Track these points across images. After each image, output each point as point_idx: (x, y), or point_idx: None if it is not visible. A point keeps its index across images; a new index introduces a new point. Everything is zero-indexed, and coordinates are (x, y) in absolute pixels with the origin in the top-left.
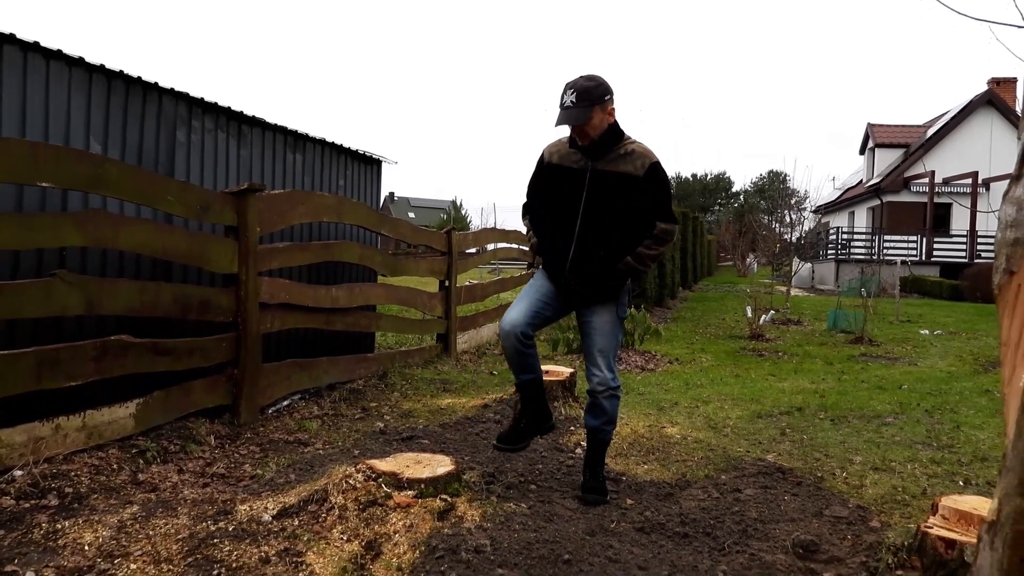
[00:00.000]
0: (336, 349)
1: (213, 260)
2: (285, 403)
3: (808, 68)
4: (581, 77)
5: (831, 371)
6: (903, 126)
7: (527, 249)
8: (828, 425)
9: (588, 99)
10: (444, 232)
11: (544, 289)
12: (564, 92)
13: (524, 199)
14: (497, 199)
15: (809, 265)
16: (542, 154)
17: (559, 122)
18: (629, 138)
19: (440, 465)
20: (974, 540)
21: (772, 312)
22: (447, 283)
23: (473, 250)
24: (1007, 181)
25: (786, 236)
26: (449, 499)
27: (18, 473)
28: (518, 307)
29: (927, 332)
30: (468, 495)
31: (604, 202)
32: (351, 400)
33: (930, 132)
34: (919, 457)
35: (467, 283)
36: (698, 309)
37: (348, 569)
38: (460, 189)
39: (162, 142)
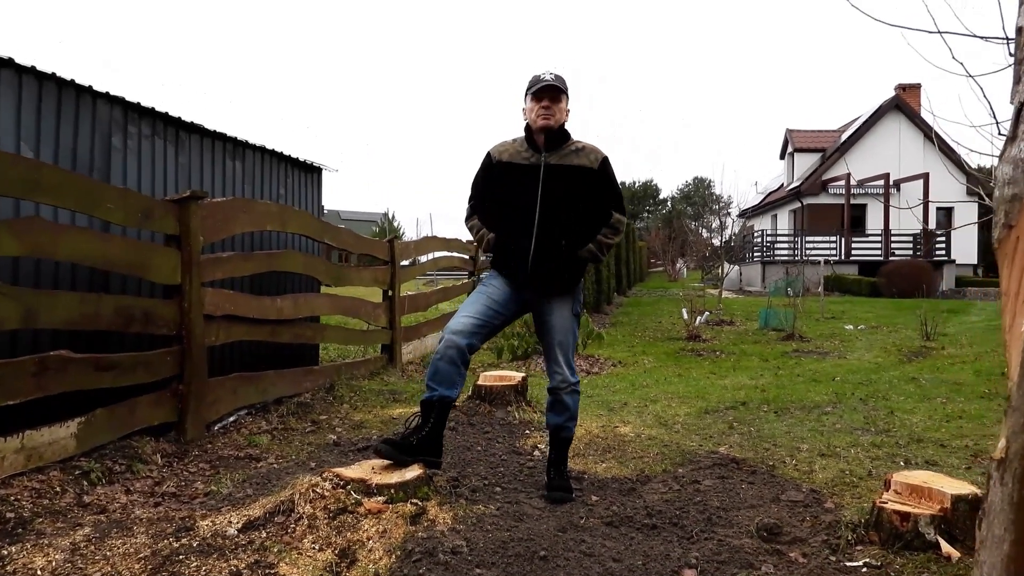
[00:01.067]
0: (282, 362)
1: (155, 270)
2: (231, 419)
3: (730, 74)
4: (550, 71)
5: (768, 367)
6: (819, 131)
7: (467, 258)
8: (772, 417)
9: (564, 84)
10: (387, 241)
11: (495, 295)
12: (541, 74)
13: (469, 201)
14: (432, 209)
15: (736, 268)
16: (488, 155)
17: (546, 83)
18: (574, 138)
19: (408, 470)
20: (927, 512)
21: (707, 314)
22: (390, 293)
23: (414, 260)
24: (917, 181)
25: (713, 241)
26: (420, 503)
27: None
28: (466, 316)
29: (851, 327)
30: (437, 499)
31: (561, 194)
32: (300, 414)
33: (844, 136)
34: (860, 442)
35: (409, 293)
36: (634, 313)
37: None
38: (391, 201)
39: (97, 147)
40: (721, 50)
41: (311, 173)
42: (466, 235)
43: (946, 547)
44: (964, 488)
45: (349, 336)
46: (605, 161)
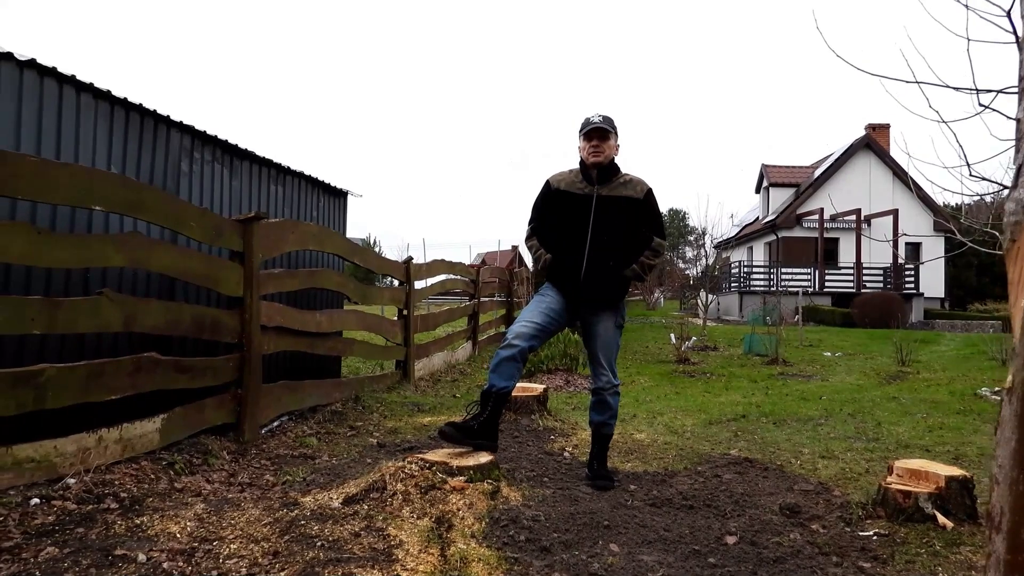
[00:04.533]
0: (313, 373)
1: (223, 283)
2: (275, 424)
3: (707, 108)
4: (600, 113)
5: (757, 387)
6: (793, 167)
7: (469, 281)
8: (772, 427)
9: (611, 125)
10: (403, 263)
11: (552, 305)
12: (590, 117)
13: (530, 223)
14: (420, 235)
15: (714, 297)
16: (548, 183)
17: (590, 128)
18: (623, 171)
19: (481, 455)
20: (925, 490)
21: (693, 339)
22: (405, 312)
23: (426, 282)
24: (888, 217)
25: (688, 272)
26: (495, 483)
27: (71, 481)
28: (528, 321)
29: (830, 354)
30: (506, 481)
31: (610, 221)
32: (335, 421)
33: (817, 172)
34: (854, 447)
35: (420, 313)
36: (621, 339)
37: (430, 537)
38: (372, 226)
39: (169, 170)
40: (699, 84)
41: (339, 197)
42: (466, 259)
43: (942, 519)
44: (955, 471)
45: (372, 351)
46: (650, 192)
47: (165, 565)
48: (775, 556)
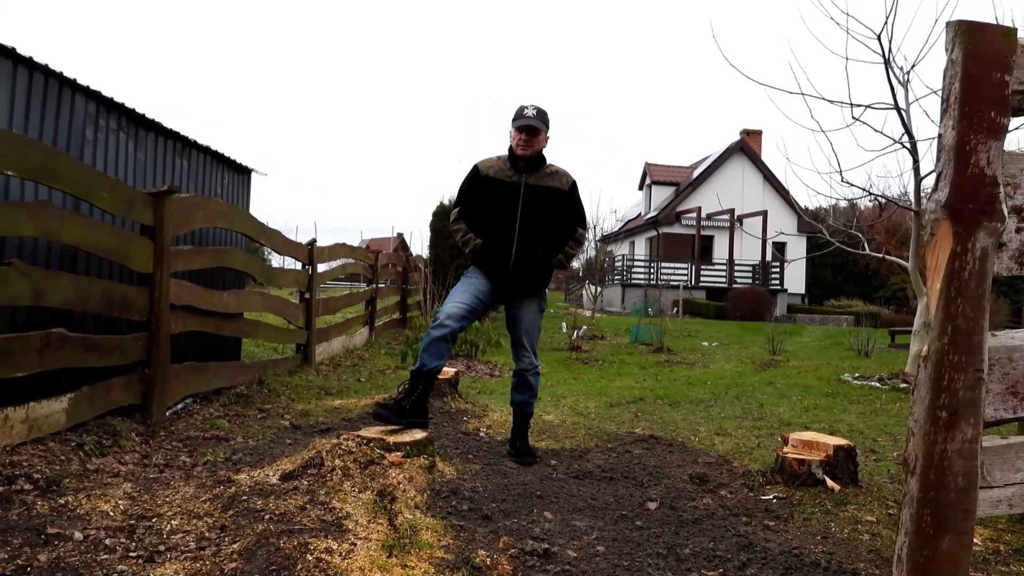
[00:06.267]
0: (217, 355)
1: (133, 258)
2: (179, 406)
3: (591, 105)
4: (535, 105)
5: (647, 373)
6: (674, 166)
7: (369, 266)
8: (668, 408)
9: (543, 120)
10: (307, 246)
11: (480, 288)
12: (524, 107)
13: (456, 207)
14: (309, 218)
15: (598, 289)
16: (476, 168)
17: (523, 123)
18: (549, 163)
19: (416, 432)
20: (816, 458)
21: (584, 328)
22: (307, 295)
23: (328, 266)
24: (758, 217)
25: (572, 264)
26: (430, 458)
27: None
28: (458, 303)
29: (708, 344)
30: (439, 456)
31: (537, 210)
32: (242, 403)
33: (696, 173)
34: (744, 425)
35: (320, 297)
36: None
37: (376, 509)
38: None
39: (73, 137)
40: (585, 81)
41: (243, 175)
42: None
43: (831, 483)
44: (841, 441)
45: (276, 334)
46: (574, 185)
47: (107, 542)
48: (693, 518)
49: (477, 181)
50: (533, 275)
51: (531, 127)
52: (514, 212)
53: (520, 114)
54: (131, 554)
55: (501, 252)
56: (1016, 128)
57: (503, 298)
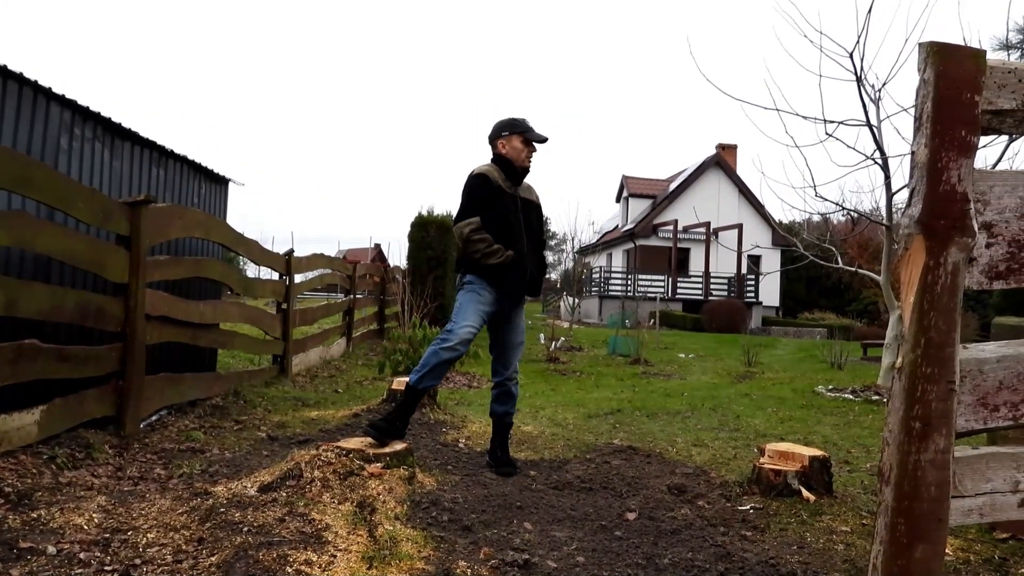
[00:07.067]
0: (193, 366)
1: (109, 269)
2: (154, 418)
3: (569, 117)
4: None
5: (624, 385)
6: (651, 179)
7: (347, 276)
8: (646, 419)
9: None
10: (284, 256)
11: (488, 305)
12: (526, 121)
13: (472, 214)
14: (285, 228)
15: (577, 300)
16: (485, 176)
17: (539, 135)
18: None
19: (396, 444)
20: (792, 468)
21: (562, 339)
22: (284, 305)
23: (306, 276)
24: (733, 230)
25: (549, 275)
26: (410, 469)
27: None
28: (470, 326)
29: (684, 356)
30: (419, 467)
31: (529, 221)
32: (218, 415)
33: (672, 186)
34: (720, 437)
35: (298, 307)
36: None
37: (356, 520)
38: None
39: (48, 147)
40: (562, 94)
41: (220, 184)
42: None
43: (806, 493)
44: (816, 452)
45: (252, 345)
46: (538, 198)
47: (82, 556)
48: (671, 528)
49: (492, 190)
50: (539, 284)
51: (544, 141)
52: (519, 222)
53: (528, 127)
54: (106, 568)
55: (520, 263)
56: (984, 146)
57: (507, 308)
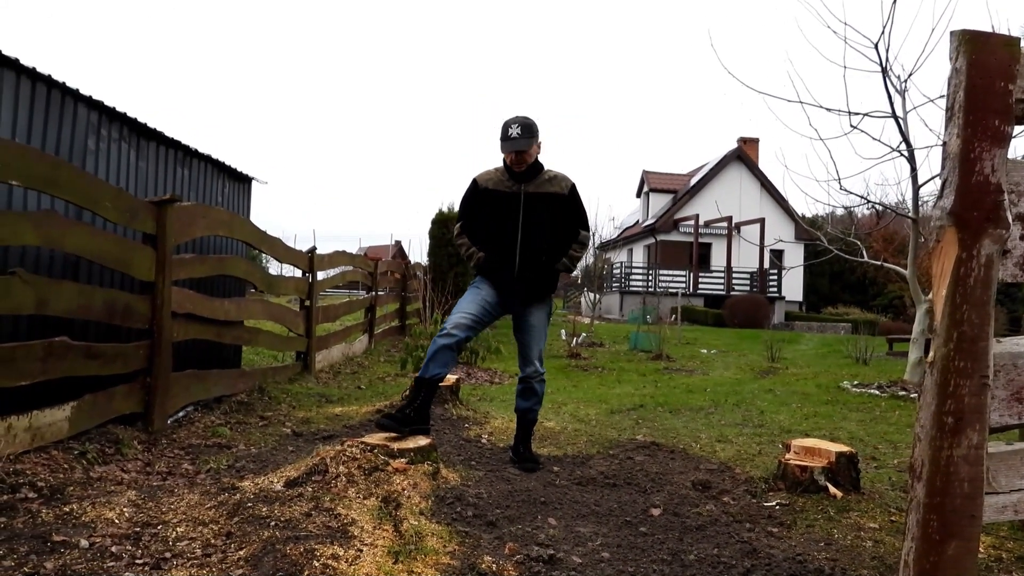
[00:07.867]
0: (218, 362)
1: (135, 267)
2: (181, 414)
3: (590, 112)
4: (521, 116)
5: (647, 380)
6: (672, 174)
7: (368, 274)
8: (669, 415)
9: (530, 133)
10: (307, 253)
11: (488, 298)
12: (509, 126)
13: (459, 222)
14: (308, 226)
15: (598, 296)
16: (475, 182)
17: (510, 148)
18: (546, 168)
19: (420, 439)
20: (819, 464)
21: (583, 335)
22: (307, 303)
23: (327, 273)
24: (755, 224)
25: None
26: (434, 464)
27: None
28: (465, 313)
29: (706, 351)
30: (443, 463)
31: (538, 217)
32: (244, 411)
33: (693, 180)
34: (744, 432)
35: (320, 304)
36: (512, 335)
37: (381, 515)
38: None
39: (76, 147)
40: (583, 89)
41: (243, 183)
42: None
43: (833, 489)
44: (843, 448)
45: (275, 342)
46: (573, 188)
47: (113, 549)
48: (696, 524)
49: (477, 195)
50: (538, 281)
51: (518, 151)
52: (515, 221)
53: (506, 135)
54: (137, 561)
55: (505, 262)
56: (1017, 136)
57: (511, 306)
